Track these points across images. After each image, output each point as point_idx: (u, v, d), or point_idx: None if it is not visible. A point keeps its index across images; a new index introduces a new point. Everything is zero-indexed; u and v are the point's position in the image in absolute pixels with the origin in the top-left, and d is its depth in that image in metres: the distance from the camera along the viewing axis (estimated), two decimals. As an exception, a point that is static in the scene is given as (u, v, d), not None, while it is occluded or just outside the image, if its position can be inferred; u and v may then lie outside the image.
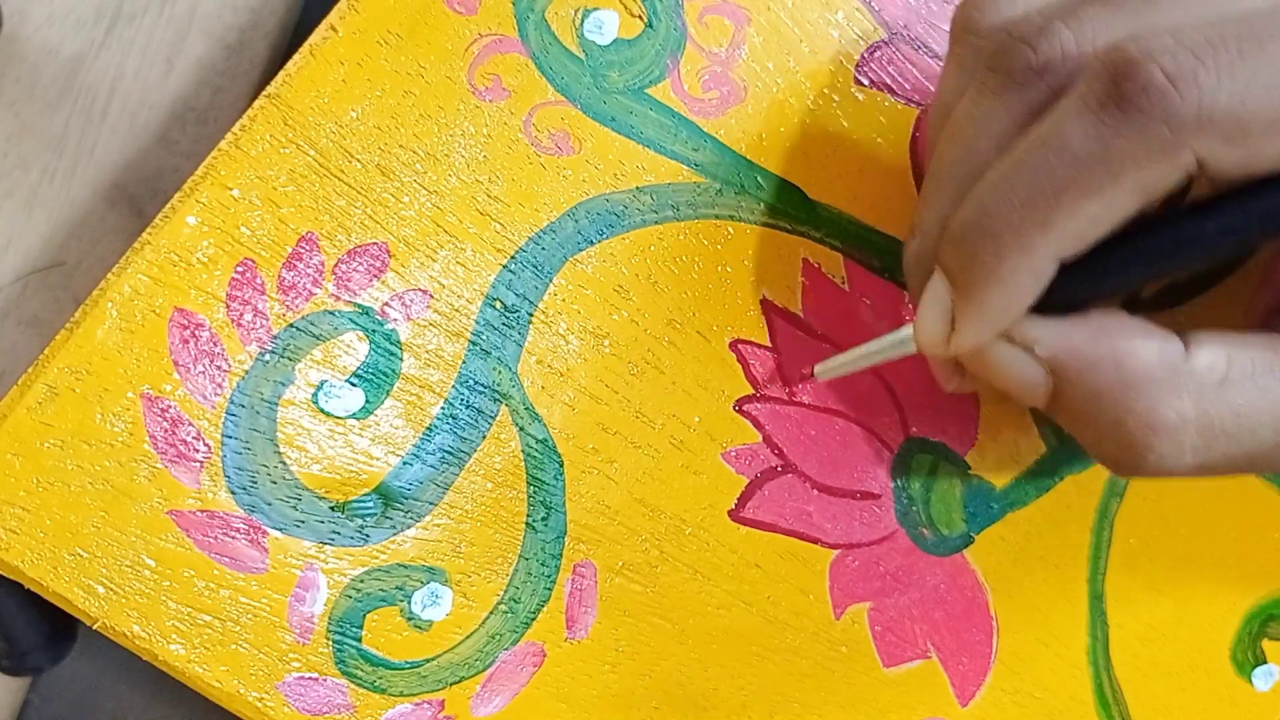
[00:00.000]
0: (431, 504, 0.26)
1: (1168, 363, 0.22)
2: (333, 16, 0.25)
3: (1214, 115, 0.19)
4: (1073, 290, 0.22)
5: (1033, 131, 0.21)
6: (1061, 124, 0.21)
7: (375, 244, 0.25)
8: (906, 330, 0.25)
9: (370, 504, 0.25)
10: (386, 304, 0.25)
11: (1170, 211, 0.21)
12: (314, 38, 0.25)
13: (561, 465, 0.27)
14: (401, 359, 0.25)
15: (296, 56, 0.25)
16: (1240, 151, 0.19)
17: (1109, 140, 0.20)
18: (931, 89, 0.30)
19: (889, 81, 0.30)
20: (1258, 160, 0.20)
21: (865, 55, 0.30)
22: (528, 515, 0.26)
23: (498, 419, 0.26)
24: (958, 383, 0.27)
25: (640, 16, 0.28)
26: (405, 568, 0.25)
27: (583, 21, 0.27)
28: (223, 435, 0.24)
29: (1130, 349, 0.22)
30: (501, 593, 0.26)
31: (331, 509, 0.25)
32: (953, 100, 0.25)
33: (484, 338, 0.26)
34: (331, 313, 0.25)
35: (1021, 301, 0.22)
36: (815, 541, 0.29)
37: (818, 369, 0.28)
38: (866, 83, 0.30)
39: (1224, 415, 0.22)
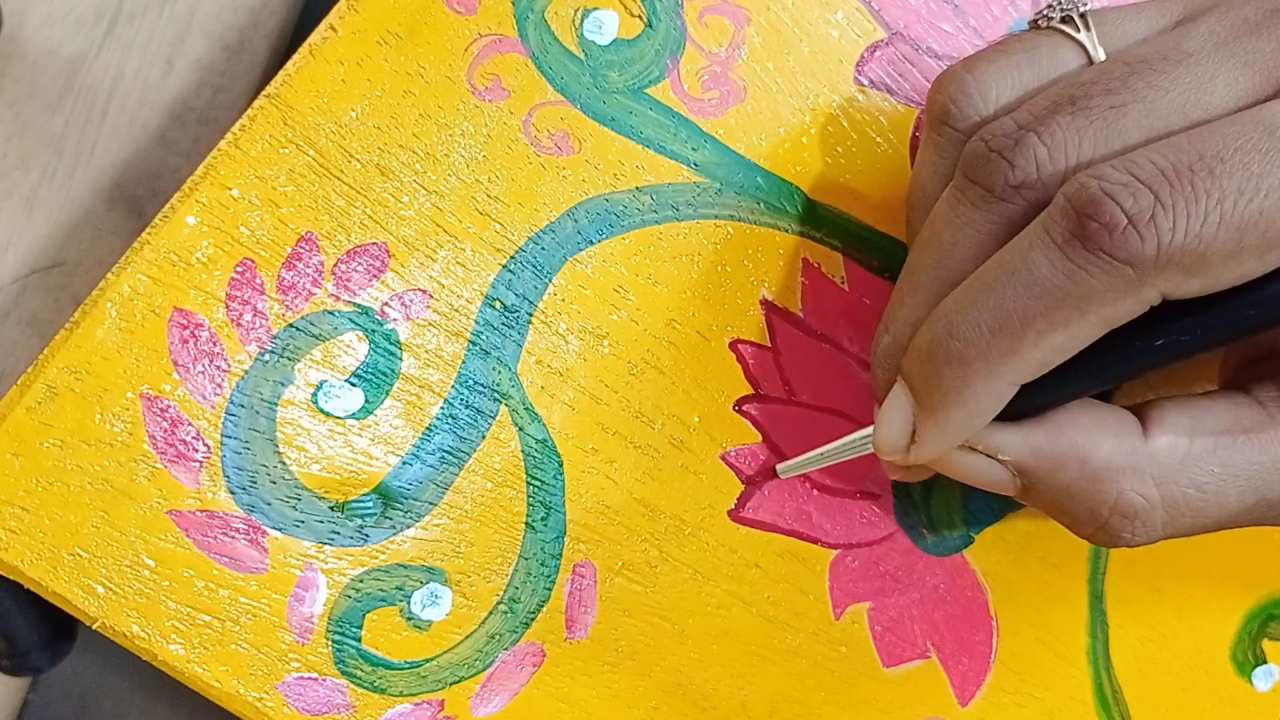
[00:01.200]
0: (431, 504, 0.26)
1: (1127, 450, 0.23)
2: (332, 16, 0.25)
3: (1173, 255, 0.20)
4: (1033, 400, 0.23)
5: (1003, 256, 0.22)
6: (1029, 255, 0.21)
7: (375, 244, 0.25)
8: (867, 432, 0.26)
9: (370, 504, 0.25)
10: (386, 304, 0.25)
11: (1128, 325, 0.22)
12: (314, 38, 0.25)
13: (561, 465, 0.27)
14: (401, 359, 0.25)
15: (296, 57, 0.25)
16: (1201, 281, 0.20)
17: (1075, 276, 0.20)
18: (931, 89, 0.30)
19: (889, 82, 0.30)
20: (1219, 284, 0.20)
21: (865, 55, 0.30)
22: (527, 515, 0.26)
23: (497, 419, 0.26)
24: (904, 474, 0.27)
25: (640, 16, 0.28)
26: (405, 568, 0.25)
27: (582, 21, 0.27)
28: (222, 435, 0.24)
29: (1091, 444, 0.23)
30: (501, 593, 0.26)
31: (331, 509, 0.25)
32: (929, 184, 0.26)
33: (484, 338, 0.26)
34: (331, 313, 0.25)
35: (982, 420, 0.23)
36: (815, 541, 0.29)
37: (779, 468, 0.28)
38: (866, 83, 0.30)
39: (1188, 493, 0.23)
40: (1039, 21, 0.26)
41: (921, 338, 0.23)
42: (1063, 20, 0.25)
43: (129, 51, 0.34)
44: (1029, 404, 0.23)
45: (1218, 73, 0.22)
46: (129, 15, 0.34)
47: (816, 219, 0.29)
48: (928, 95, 0.26)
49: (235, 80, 0.35)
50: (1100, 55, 0.24)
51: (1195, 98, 0.22)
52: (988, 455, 0.24)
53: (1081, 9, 0.25)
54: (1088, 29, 0.24)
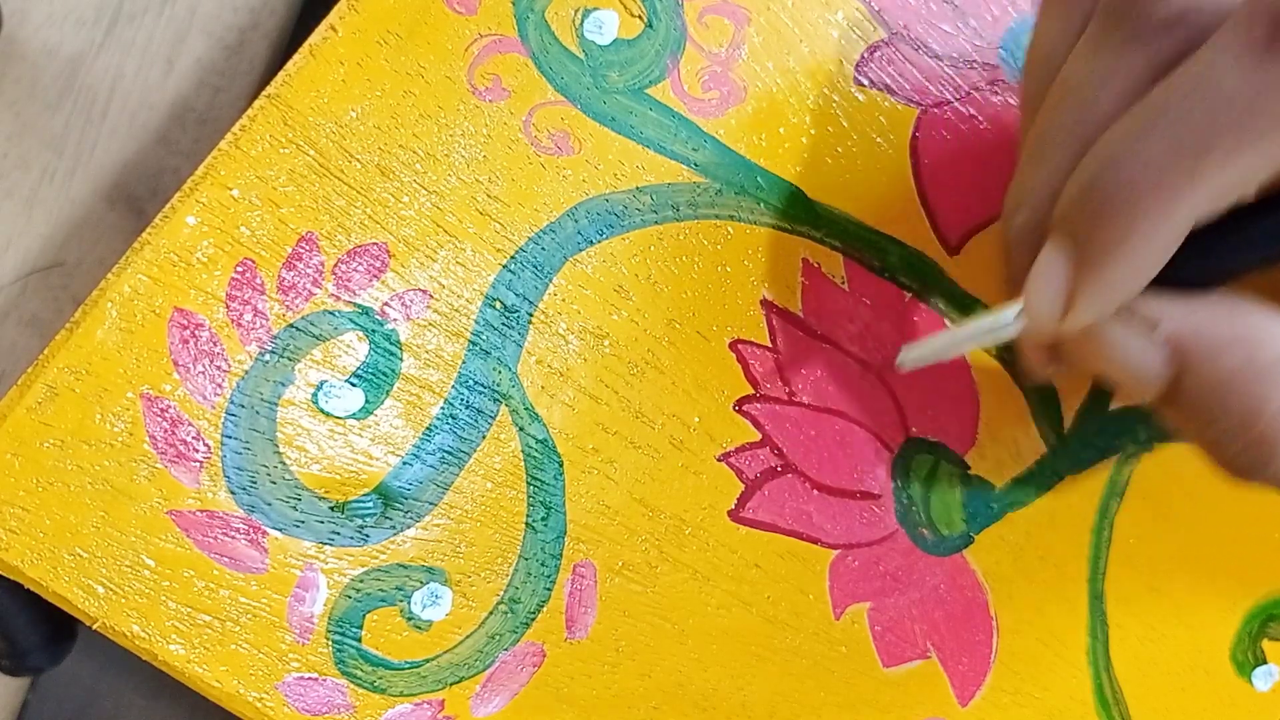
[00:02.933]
0: (431, 504, 0.26)
1: None
2: (333, 17, 0.25)
3: None
4: (1198, 264, 0.20)
5: (1177, 78, 0.19)
6: (1213, 65, 0.18)
7: (375, 244, 0.25)
8: (1010, 311, 0.23)
9: (370, 504, 0.25)
10: (386, 304, 0.25)
11: None
12: (314, 38, 0.25)
13: (561, 465, 0.27)
14: (401, 359, 0.25)
15: (296, 57, 0.25)
16: None
17: (1273, 85, 0.18)
18: (932, 89, 0.30)
19: (889, 82, 0.30)
20: None
21: (865, 55, 0.30)
22: (527, 515, 0.26)
23: (497, 419, 0.26)
24: (1053, 369, 0.25)
25: (640, 16, 0.28)
26: (405, 568, 0.25)
27: (583, 21, 0.27)
28: (222, 435, 0.24)
29: (1264, 333, 0.20)
30: (501, 593, 0.26)
31: (331, 509, 0.25)
32: (1055, 49, 0.23)
33: (484, 338, 0.26)
34: (331, 313, 0.25)
35: (1150, 269, 0.20)
36: (815, 541, 0.29)
37: (902, 358, 0.26)
38: (866, 83, 0.30)
39: None
40: None
41: (1076, 184, 0.20)
42: None
43: (129, 51, 0.34)
44: (1193, 271, 0.20)
45: None
46: (129, 15, 0.34)
47: (817, 219, 0.29)
48: None
49: (235, 80, 0.35)
50: None
51: None
52: (1144, 331, 0.21)
53: None
54: None
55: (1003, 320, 0.23)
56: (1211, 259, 0.20)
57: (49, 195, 0.32)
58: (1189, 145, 0.18)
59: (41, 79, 0.33)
